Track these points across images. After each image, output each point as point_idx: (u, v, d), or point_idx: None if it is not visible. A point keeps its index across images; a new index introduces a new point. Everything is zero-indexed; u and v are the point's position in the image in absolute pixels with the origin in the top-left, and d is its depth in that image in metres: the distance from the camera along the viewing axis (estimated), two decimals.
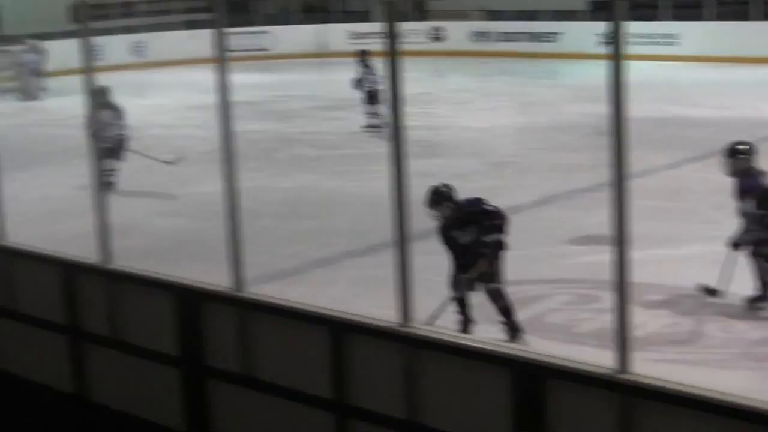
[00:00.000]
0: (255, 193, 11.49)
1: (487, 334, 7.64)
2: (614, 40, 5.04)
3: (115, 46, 30.72)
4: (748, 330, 8.48)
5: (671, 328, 8.57)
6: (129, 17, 33.66)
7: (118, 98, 20.20)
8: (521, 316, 8.35)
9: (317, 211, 13.21)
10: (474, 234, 7.85)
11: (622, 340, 5.31)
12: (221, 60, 6.86)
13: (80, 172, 12.27)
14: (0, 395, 8.47)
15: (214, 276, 7.43)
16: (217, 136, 7.26)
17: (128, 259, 8.12)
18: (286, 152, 17.48)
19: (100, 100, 13.21)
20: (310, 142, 18.27)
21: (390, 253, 6.34)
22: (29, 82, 25.14)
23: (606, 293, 5.90)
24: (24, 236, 9.26)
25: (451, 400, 6.11)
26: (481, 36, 31.80)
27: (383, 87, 17.62)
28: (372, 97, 18.81)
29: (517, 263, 8.74)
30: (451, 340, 6.18)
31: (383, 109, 18.12)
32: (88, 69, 7.49)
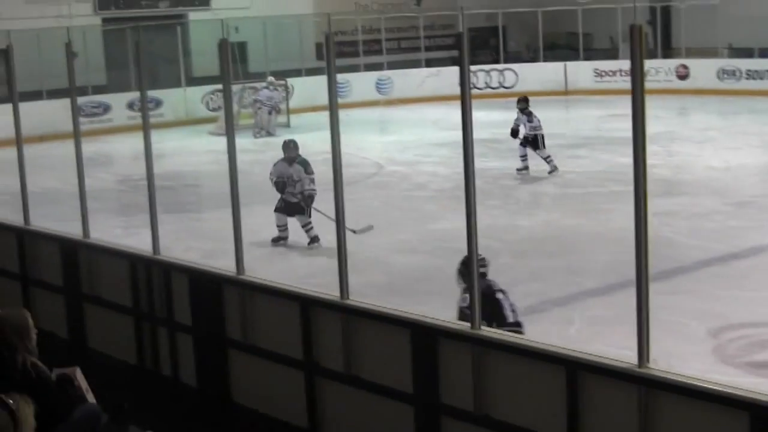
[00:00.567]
0: (495, 230, 11.47)
1: (726, 377, 7.29)
2: None
3: (360, 83, 31.44)
4: None
5: None
6: (374, 54, 34.30)
7: (363, 134, 20.66)
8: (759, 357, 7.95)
9: (557, 250, 13.03)
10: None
11: None
12: (464, 97, 6.81)
13: (322, 207, 12.58)
14: (238, 429, 8.63)
15: (450, 313, 7.38)
16: (458, 173, 7.20)
17: (365, 295, 8.16)
18: (527, 190, 17.35)
19: (290, 154, 13.73)
20: (552, 179, 18.08)
21: (629, 292, 6.13)
22: (266, 119, 25.83)
23: None
24: (262, 271, 9.45)
25: None
26: (728, 74, 30.92)
27: (542, 132, 18.27)
28: (531, 143, 18.50)
29: (759, 305, 8.34)
30: (691, 382, 5.92)
31: (545, 152, 18.39)
32: (333, 106, 7.57)
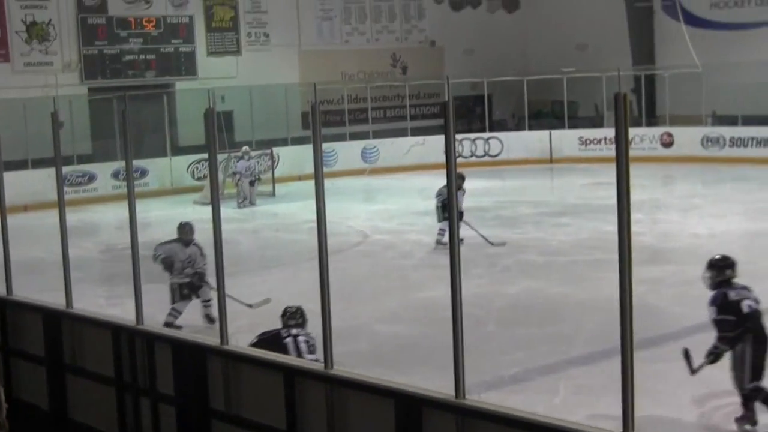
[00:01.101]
0: (480, 298, 11.45)
1: None
2: None
3: (346, 152, 31.58)
4: None
5: None
6: (359, 123, 34.50)
7: (349, 203, 20.68)
8: None
9: (542, 318, 13.02)
10: None
11: None
12: (449, 166, 6.82)
13: (307, 276, 12.55)
14: None
15: (434, 382, 7.33)
16: (442, 243, 7.19)
17: (349, 364, 8.12)
18: (512, 258, 17.36)
19: (187, 237, 13.56)
20: (538, 248, 18.10)
21: (615, 360, 6.10)
22: (247, 189, 25.79)
23: None
24: (245, 340, 9.41)
25: None
26: (712, 141, 31.11)
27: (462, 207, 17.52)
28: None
29: None
30: None
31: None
32: (319, 174, 7.58)
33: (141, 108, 29.59)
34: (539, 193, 26.16)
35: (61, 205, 10.23)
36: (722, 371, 9.39)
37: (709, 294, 8.97)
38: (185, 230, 13.65)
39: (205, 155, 22.85)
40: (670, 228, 19.89)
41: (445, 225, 17.85)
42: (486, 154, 33.19)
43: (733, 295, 8.77)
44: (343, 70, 36.21)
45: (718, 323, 8.70)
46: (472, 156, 32.82)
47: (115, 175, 27.48)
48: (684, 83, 31.84)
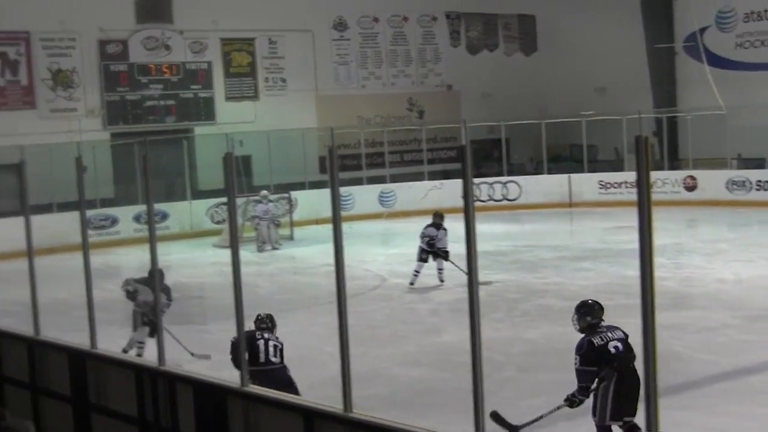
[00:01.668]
0: (499, 343, 11.44)
1: None
2: None
3: (363, 196, 31.65)
4: None
5: None
6: (377, 167, 34.60)
7: (366, 247, 20.71)
8: None
9: (562, 363, 12.91)
10: None
11: None
12: (467, 210, 6.84)
13: (326, 320, 12.59)
14: None
15: (453, 426, 7.33)
16: (461, 285, 7.21)
17: (368, 407, 8.11)
18: (532, 303, 17.30)
19: (155, 283, 13.56)
20: (558, 292, 18.04)
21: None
22: (265, 233, 25.83)
23: None
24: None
25: None
26: (738, 185, 30.88)
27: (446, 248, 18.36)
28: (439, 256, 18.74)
29: None
30: None
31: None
32: (336, 218, 7.62)
33: (161, 153, 29.81)
34: (559, 237, 26.09)
35: (85, 247, 10.32)
36: (748, 420, 9.33)
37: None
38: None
39: (224, 199, 22.94)
40: (695, 273, 19.67)
41: (419, 266, 18.80)
42: (504, 198, 33.17)
43: (598, 340, 9.06)
44: (359, 115, 36.39)
45: (580, 373, 9.02)
46: (489, 200, 32.80)
47: (137, 218, 27.63)
48: (707, 125, 31.66)
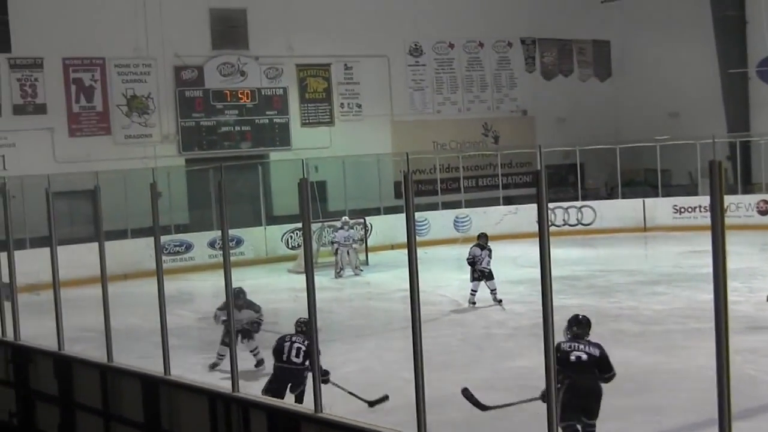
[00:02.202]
0: None
1: None
2: None
3: (438, 221, 31.67)
4: None
5: None
6: (452, 192, 34.63)
7: (441, 272, 20.70)
8: None
9: (636, 388, 12.83)
10: None
11: None
12: (542, 234, 6.83)
13: (400, 345, 12.61)
14: None
15: None
16: (536, 310, 7.19)
17: None
18: (606, 327, 17.14)
19: (238, 302, 14.38)
20: (632, 317, 17.90)
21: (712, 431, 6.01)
22: (346, 259, 25.88)
23: None
24: (338, 408, 9.44)
25: None
26: None
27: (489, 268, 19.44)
28: (482, 276, 19.67)
29: None
30: None
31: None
32: (411, 243, 7.64)
33: (236, 178, 30.12)
34: (633, 261, 25.89)
35: (159, 273, 10.44)
36: None
37: None
38: (238, 297, 14.56)
39: (299, 225, 23.10)
40: None
41: (474, 285, 19.67)
42: (579, 222, 33.02)
43: (566, 347, 9.73)
44: (435, 140, 36.49)
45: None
46: (564, 225, 32.67)
47: (212, 244, 27.89)
48: None
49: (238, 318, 14.17)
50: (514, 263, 24.80)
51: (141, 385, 10.73)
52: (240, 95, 32.62)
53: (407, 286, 7.29)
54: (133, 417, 10.88)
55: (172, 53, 31.34)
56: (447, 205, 33.46)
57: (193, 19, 31.77)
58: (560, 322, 7.37)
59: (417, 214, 8.06)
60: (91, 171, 25.97)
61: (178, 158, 31.62)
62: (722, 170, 5.87)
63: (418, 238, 7.82)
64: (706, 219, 5.53)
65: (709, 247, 5.80)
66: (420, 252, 7.54)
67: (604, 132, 37.00)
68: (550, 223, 7.00)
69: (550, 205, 30.64)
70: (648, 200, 33.29)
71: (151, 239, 10.78)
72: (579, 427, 9.72)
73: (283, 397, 11.18)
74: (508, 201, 33.75)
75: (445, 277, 23.32)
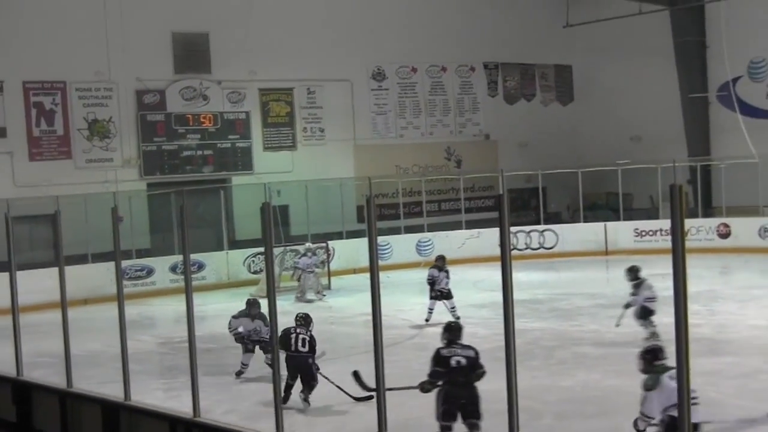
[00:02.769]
0: (536, 391, 11.38)
1: None
2: None
3: (400, 245, 31.65)
4: None
5: None
6: (414, 216, 34.65)
7: (403, 296, 20.73)
8: None
9: (598, 411, 12.86)
10: None
11: None
12: (504, 258, 6.85)
13: (362, 369, 12.57)
14: None
15: None
16: (498, 334, 7.19)
17: None
18: (568, 350, 17.21)
19: (254, 311, 15.62)
20: (594, 340, 17.96)
21: None
22: (308, 285, 25.80)
23: None
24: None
25: None
26: None
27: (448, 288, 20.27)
28: (441, 295, 20.36)
29: None
30: None
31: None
32: (374, 268, 7.64)
33: (198, 203, 30.02)
34: (595, 285, 25.98)
35: (120, 298, 10.39)
36: None
37: None
38: (253, 306, 15.71)
39: (261, 249, 23.03)
40: (729, 319, 19.61)
41: (431, 304, 20.43)
42: (541, 246, 33.11)
43: (445, 352, 10.64)
44: (397, 164, 36.55)
45: (430, 373, 10.75)
46: (526, 248, 32.75)
47: (173, 269, 27.72)
48: (741, 174, 31.74)
49: (250, 327, 15.46)
50: (476, 287, 24.83)
51: (101, 410, 10.65)
52: (202, 119, 32.53)
53: (370, 310, 7.28)
54: None
55: (134, 77, 31.23)
56: (409, 229, 33.45)
57: (156, 43, 31.68)
58: (522, 345, 7.36)
59: (379, 238, 8.05)
60: (51, 195, 25.75)
61: (140, 182, 31.44)
62: (683, 194, 5.93)
63: (380, 262, 7.82)
64: (667, 242, 5.56)
65: (670, 271, 5.83)
66: (382, 276, 7.55)
67: (566, 156, 37.24)
68: (512, 247, 7.01)
69: (513, 229, 30.71)
70: (609, 224, 33.44)
71: (112, 264, 10.73)
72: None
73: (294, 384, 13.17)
74: (471, 225, 33.74)
75: (408, 301, 23.30)
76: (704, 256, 27.80)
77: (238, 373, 15.61)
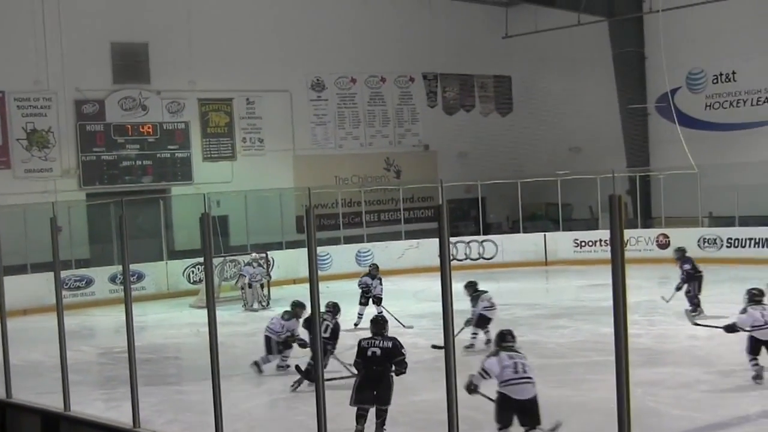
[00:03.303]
0: (478, 401, 11.41)
1: None
2: None
3: (340, 255, 31.64)
4: None
5: None
6: (354, 227, 34.68)
7: (343, 306, 20.62)
8: None
9: (542, 418, 12.94)
10: None
11: None
12: (444, 269, 6.89)
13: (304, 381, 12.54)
14: None
15: None
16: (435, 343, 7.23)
17: None
18: None
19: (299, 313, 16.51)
20: (534, 350, 18.01)
21: None
22: (252, 294, 25.77)
23: None
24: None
25: None
26: (709, 242, 31.07)
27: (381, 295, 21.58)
28: (373, 301, 21.54)
29: None
30: None
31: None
32: (313, 278, 7.65)
33: (137, 213, 29.84)
34: (534, 295, 26.13)
35: (59, 309, 10.31)
36: None
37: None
38: (300, 306, 16.72)
39: (201, 259, 22.93)
40: (668, 330, 19.73)
41: (361, 309, 21.43)
42: (480, 256, 33.24)
43: (364, 344, 11.88)
44: (337, 174, 36.59)
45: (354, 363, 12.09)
46: (466, 259, 32.86)
47: (113, 279, 27.51)
48: (680, 184, 32.03)
49: (290, 327, 16.50)
50: (416, 297, 24.86)
51: (41, 421, 10.57)
52: (141, 129, 32.35)
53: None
54: None
55: (73, 87, 30.98)
56: (349, 240, 33.44)
57: (95, 53, 31.45)
58: (461, 356, 7.41)
59: (319, 249, 8.07)
60: None
61: (79, 193, 31.18)
62: (622, 204, 5.99)
63: (320, 273, 7.83)
64: (606, 253, 5.64)
65: (610, 281, 5.90)
66: (322, 286, 7.56)
67: (505, 167, 37.49)
68: (451, 258, 7.06)
69: (452, 240, 30.85)
70: (549, 234, 33.62)
71: (52, 274, 10.64)
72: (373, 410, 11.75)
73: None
74: (410, 235, 33.81)
75: (347, 311, 23.26)
76: (643, 267, 28.07)
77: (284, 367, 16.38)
